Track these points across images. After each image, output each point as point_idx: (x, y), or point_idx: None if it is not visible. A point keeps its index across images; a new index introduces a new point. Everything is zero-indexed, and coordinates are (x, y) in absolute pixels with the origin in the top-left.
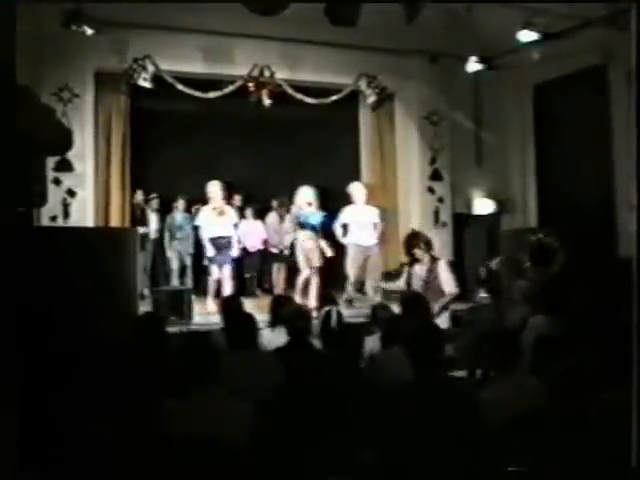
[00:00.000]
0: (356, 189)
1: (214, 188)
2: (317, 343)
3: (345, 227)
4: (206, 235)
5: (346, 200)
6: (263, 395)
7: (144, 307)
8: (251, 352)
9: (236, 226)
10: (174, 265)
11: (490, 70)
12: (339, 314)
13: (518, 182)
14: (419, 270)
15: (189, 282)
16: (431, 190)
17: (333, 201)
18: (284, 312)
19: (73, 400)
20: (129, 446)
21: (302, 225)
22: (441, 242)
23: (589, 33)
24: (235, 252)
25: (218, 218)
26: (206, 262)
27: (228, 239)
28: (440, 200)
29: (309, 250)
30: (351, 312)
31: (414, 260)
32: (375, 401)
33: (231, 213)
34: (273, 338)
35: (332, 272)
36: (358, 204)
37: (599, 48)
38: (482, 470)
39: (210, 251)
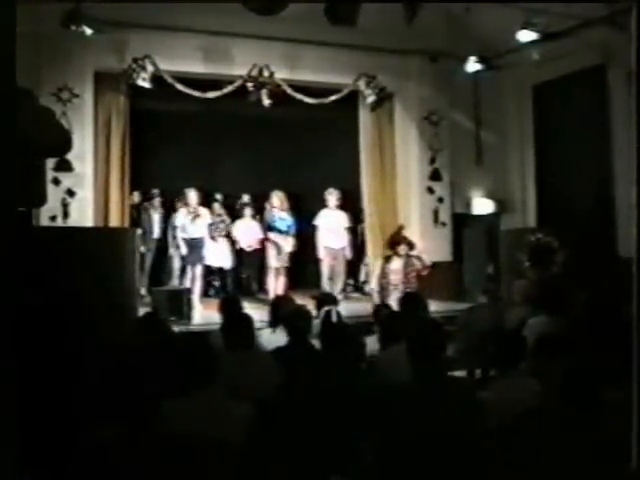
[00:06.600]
0: (329, 194)
1: (190, 194)
2: (317, 343)
3: (315, 228)
4: (181, 236)
5: (344, 200)
6: (263, 395)
7: (143, 308)
8: (250, 352)
9: (212, 224)
10: (175, 264)
11: (489, 70)
12: (339, 314)
13: (517, 182)
14: (396, 265)
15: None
16: (430, 190)
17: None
18: (284, 312)
19: (72, 400)
20: (128, 446)
21: (271, 228)
22: (440, 242)
23: (589, 33)
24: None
25: (193, 221)
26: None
27: (200, 240)
28: (439, 200)
29: (277, 252)
30: (351, 312)
31: (393, 255)
32: (375, 401)
33: (205, 215)
34: (273, 338)
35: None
36: (331, 209)
37: (599, 48)
38: (482, 470)
39: (184, 251)
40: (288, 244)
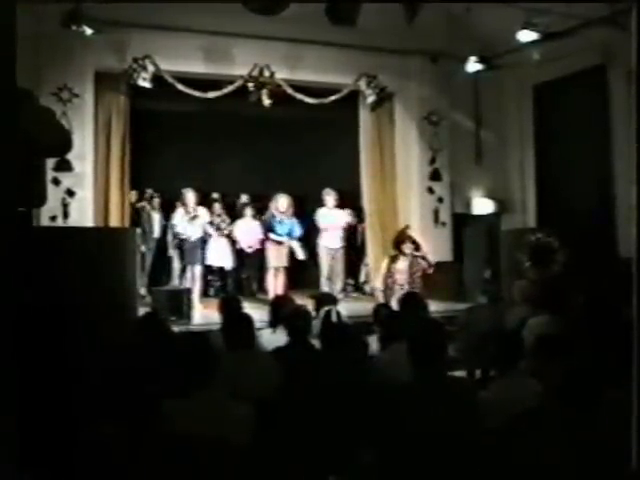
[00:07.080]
0: (327, 194)
1: (188, 194)
2: (317, 343)
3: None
4: (180, 236)
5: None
6: (263, 395)
7: (143, 308)
8: (251, 352)
9: (212, 224)
10: (175, 264)
11: (490, 70)
12: (339, 314)
13: (518, 182)
14: (402, 265)
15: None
16: (430, 190)
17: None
18: (284, 312)
19: (72, 400)
20: (128, 446)
21: (272, 230)
22: (440, 242)
23: (589, 33)
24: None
25: (191, 221)
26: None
27: (199, 240)
28: (439, 200)
29: (276, 252)
30: (351, 311)
31: (399, 254)
32: (375, 401)
33: (203, 215)
34: (273, 338)
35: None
36: (329, 208)
37: (599, 48)
38: (482, 470)
39: (183, 251)
40: (300, 252)
